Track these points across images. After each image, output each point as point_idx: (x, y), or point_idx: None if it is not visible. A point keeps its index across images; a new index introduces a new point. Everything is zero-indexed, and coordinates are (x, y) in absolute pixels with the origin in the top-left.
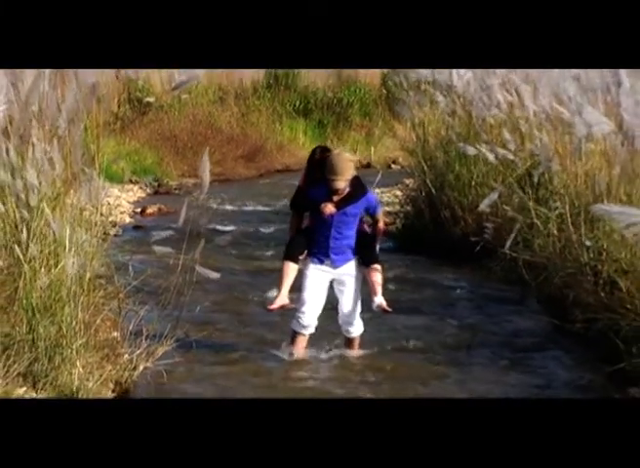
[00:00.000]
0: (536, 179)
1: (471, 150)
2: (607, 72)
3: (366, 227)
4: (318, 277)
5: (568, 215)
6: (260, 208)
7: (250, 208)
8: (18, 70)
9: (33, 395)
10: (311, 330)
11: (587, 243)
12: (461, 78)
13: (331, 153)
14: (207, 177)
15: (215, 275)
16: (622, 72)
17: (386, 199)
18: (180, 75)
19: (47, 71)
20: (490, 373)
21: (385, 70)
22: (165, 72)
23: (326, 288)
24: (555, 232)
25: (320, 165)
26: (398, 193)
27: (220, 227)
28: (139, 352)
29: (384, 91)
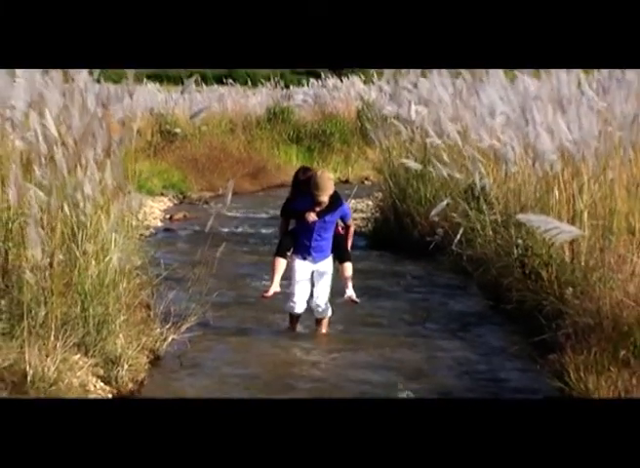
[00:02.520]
0: (476, 193)
1: (413, 165)
2: (525, 112)
3: (340, 231)
4: (303, 270)
5: (500, 221)
6: (262, 215)
7: (254, 215)
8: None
9: (86, 360)
10: (302, 311)
11: (516, 242)
12: (419, 114)
13: (315, 173)
14: (230, 196)
15: None
16: (535, 111)
17: (360, 207)
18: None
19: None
20: (439, 342)
21: (360, 107)
22: (188, 110)
23: (309, 278)
24: (491, 234)
25: (303, 181)
26: (369, 203)
27: (231, 230)
28: (167, 327)
29: (359, 123)
